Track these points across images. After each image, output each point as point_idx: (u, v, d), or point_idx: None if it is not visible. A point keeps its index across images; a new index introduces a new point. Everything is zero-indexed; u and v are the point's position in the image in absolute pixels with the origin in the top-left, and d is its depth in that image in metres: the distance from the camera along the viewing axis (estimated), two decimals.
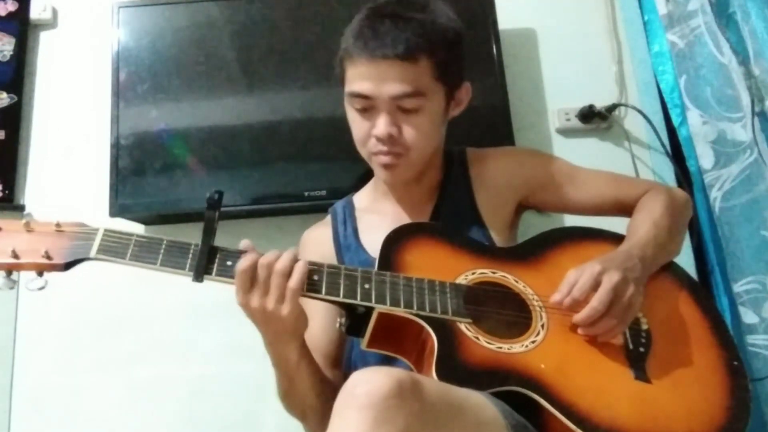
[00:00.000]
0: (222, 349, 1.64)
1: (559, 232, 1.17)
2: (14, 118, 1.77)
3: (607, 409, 0.90)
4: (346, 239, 1.20)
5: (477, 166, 1.23)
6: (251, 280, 0.92)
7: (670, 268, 1.13)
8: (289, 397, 1.06)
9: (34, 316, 1.68)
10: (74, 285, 1.62)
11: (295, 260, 0.94)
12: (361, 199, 1.29)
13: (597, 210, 1.23)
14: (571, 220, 1.25)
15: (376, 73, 1.04)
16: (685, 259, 1.69)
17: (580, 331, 0.98)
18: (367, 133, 1.09)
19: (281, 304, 0.92)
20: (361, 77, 1.05)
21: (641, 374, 0.96)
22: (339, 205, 1.28)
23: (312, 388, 1.04)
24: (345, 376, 1.18)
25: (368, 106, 1.07)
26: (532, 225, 1.32)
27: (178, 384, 1.64)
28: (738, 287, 1.55)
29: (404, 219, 1.19)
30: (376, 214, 1.22)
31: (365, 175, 1.30)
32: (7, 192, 1.72)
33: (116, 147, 1.64)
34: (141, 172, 1.63)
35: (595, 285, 0.96)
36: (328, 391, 1.05)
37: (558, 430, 0.89)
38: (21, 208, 1.73)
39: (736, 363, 1.02)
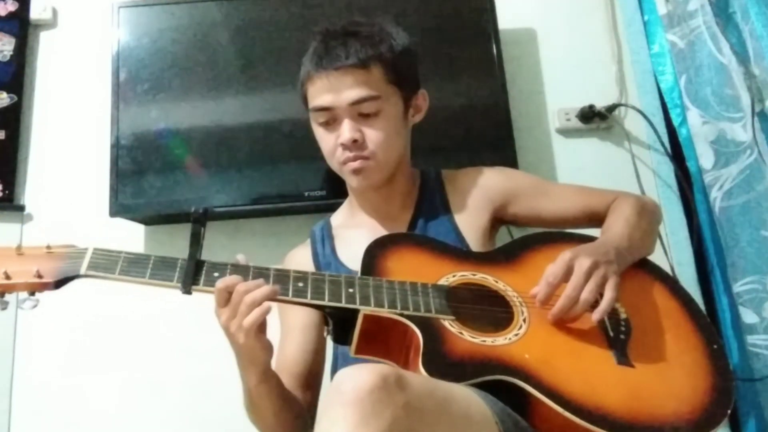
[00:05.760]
0: (222, 349, 1.63)
1: (535, 236, 1.21)
2: (14, 118, 1.77)
3: (593, 392, 0.93)
4: (325, 257, 1.24)
5: (452, 184, 1.29)
6: (225, 300, 0.96)
7: (644, 264, 1.17)
8: (249, 412, 1.10)
9: (34, 316, 1.67)
10: (74, 285, 1.63)
11: (268, 297, 0.95)
12: (338, 217, 1.33)
13: (570, 221, 1.28)
14: None
15: (333, 84, 1.13)
16: (686, 258, 1.70)
17: (553, 317, 1.01)
18: (334, 144, 1.16)
19: (240, 332, 0.96)
20: (320, 91, 1.14)
21: (624, 359, 0.99)
22: (317, 227, 1.32)
23: (273, 414, 1.07)
24: None
25: (331, 118, 1.15)
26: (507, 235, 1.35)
27: (178, 384, 1.64)
28: (738, 287, 1.55)
29: (381, 231, 1.22)
30: (353, 228, 1.27)
31: None
32: (7, 192, 1.72)
33: (116, 147, 1.64)
34: (141, 172, 1.63)
35: (568, 270, 1.01)
36: (291, 416, 1.09)
37: (546, 417, 0.91)
38: (21, 208, 1.73)
39: (716, 347, 1.05)
